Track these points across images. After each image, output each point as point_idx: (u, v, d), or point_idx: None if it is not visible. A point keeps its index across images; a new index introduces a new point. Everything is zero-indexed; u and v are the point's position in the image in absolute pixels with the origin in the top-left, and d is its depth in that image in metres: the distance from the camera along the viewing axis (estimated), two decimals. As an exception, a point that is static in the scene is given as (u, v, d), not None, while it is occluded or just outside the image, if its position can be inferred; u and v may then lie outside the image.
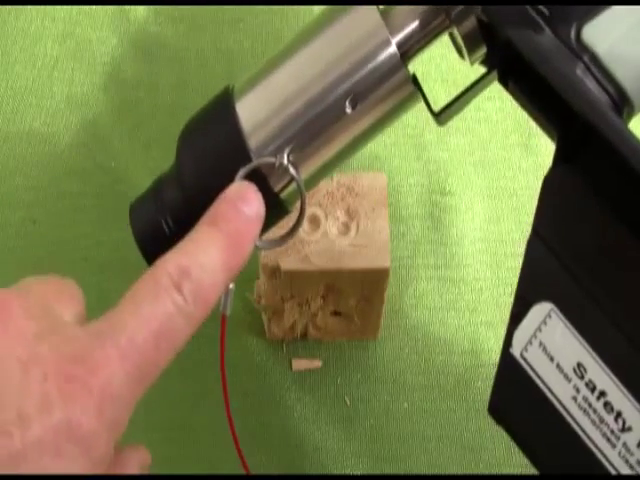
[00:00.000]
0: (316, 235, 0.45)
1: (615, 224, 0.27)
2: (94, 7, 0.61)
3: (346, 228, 0.45)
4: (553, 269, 0.30)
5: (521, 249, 0.32)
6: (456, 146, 0.57)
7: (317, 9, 0.61)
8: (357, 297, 0.48)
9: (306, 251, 0.44)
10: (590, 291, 0.29)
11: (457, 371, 0.51)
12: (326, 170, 0.36)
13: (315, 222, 0.45)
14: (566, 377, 0.30)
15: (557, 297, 0.30)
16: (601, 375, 0.29)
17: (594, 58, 0.29)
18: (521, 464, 0.49)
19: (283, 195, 0.35)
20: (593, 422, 0.30)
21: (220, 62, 0.60)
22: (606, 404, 0.29)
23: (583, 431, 0.30)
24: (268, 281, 0.46)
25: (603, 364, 0.29)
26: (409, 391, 0.51)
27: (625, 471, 0.29)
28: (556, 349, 0.30)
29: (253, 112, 0.34)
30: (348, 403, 0.50)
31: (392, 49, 0.33)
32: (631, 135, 0.27)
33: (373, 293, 0.47)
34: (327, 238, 0.45)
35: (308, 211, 0.45)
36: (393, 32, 0.33)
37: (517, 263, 0.32)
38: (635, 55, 0.29)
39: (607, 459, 0.30)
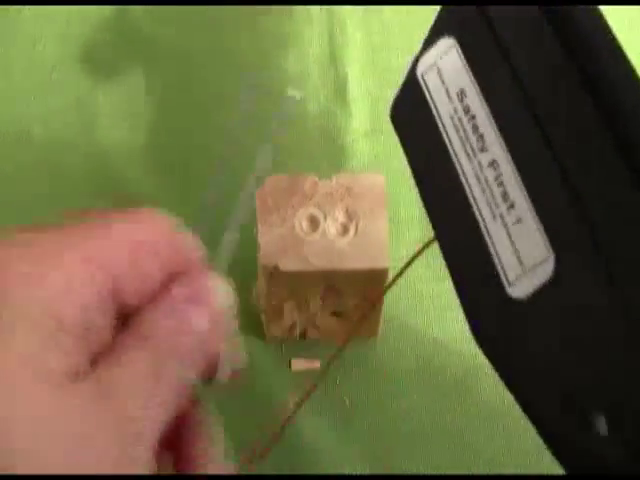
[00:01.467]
0: (315, 235, 0.45)
1: None
2: (94, 7, 0.61)
3: (345, 229, 0.45)
4: None
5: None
6: (456, 146, 0.57)
7: (316, 9, 0.62)
8: (357, 298, 0.48)
9: (305, 252, 0.44)
10: None
11: (457, 371, 0.51)
12: None
13: (314, 223, 0.45)
14: (450, 98, 0.33)
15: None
16: (477, 103, 0.31)
17: None
18: (521, 464, 0.49)
19: None
20: (461, 140, 0.32)
21: (220, 62, 0.60)
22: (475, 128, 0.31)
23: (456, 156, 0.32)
24: (267, 282, 0.46)
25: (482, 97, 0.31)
26: (409, 391, 0.51)
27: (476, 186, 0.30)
28: (448, 76, 0.33)
29: None
30: (348, 403, 0.50)
31: None
32: None
33: (373, 293, 0.47)
34: (326, 238, 0.45)
35: (307, 211, 0.45)
36: None
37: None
38: None
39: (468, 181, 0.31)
